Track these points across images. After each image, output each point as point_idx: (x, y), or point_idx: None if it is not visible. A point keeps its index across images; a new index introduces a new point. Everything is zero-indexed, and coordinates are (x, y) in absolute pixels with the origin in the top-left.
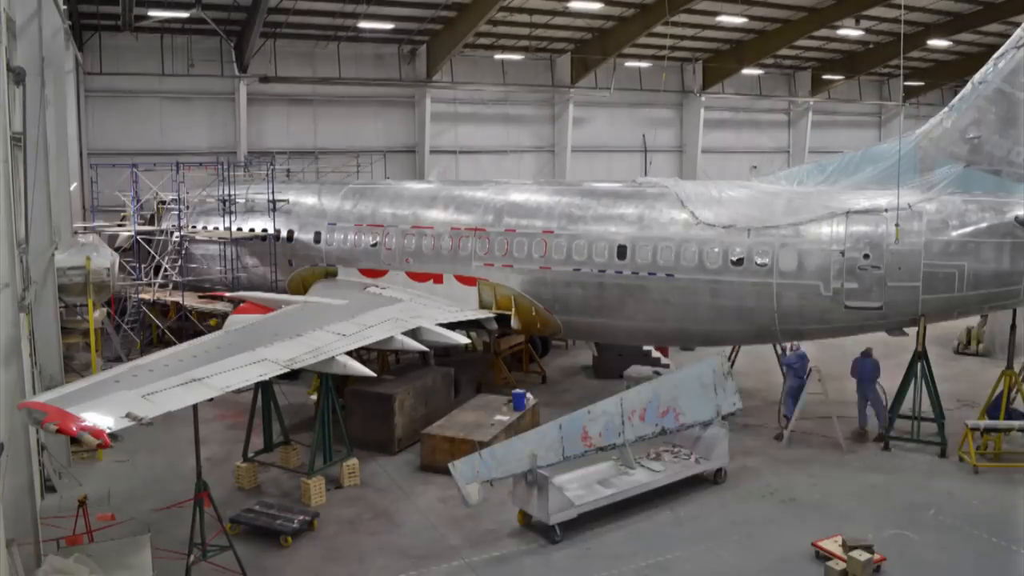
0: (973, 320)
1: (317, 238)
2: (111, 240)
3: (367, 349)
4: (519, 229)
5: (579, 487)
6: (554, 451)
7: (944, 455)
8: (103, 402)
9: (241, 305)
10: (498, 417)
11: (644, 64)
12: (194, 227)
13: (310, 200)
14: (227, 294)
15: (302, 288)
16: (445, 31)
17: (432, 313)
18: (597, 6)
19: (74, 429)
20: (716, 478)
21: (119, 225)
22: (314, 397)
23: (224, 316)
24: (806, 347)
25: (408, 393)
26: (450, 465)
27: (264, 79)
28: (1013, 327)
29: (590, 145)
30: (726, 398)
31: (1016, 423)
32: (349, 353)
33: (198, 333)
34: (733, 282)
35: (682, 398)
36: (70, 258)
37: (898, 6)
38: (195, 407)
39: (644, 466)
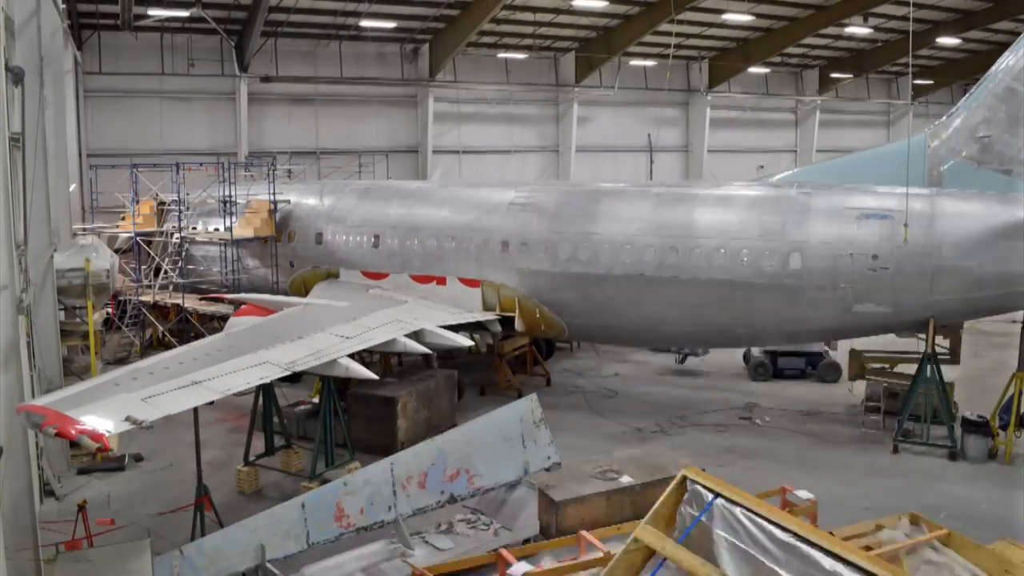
0: None
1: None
2: (111, 241)
3: (369, 351)
4: None
5: None
6: (294, 539)
7: (954, 458)
8: (102, 405)
9: (242, 307)
10: None
11: (649, 63)
12: (194, 228)
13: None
14: (228, 296)
15: (303, 290)
16: (448, 30)
17: (435, 315)
18: (602, 4)
19: (73, 432)
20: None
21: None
22: (316, 400)
23: (225, 318)
24: None
25: (411, 395)
26: (156, 559)
27: (265, 78)
28: None
29: (595, 145)
30: (537, 451)
31: None
32: (351, 355)
33: (199, 335)
34: None
35: (477, 455)
36: (69, 260)
37: (907, 3)
38: (195, 410)
39: (429, 543)
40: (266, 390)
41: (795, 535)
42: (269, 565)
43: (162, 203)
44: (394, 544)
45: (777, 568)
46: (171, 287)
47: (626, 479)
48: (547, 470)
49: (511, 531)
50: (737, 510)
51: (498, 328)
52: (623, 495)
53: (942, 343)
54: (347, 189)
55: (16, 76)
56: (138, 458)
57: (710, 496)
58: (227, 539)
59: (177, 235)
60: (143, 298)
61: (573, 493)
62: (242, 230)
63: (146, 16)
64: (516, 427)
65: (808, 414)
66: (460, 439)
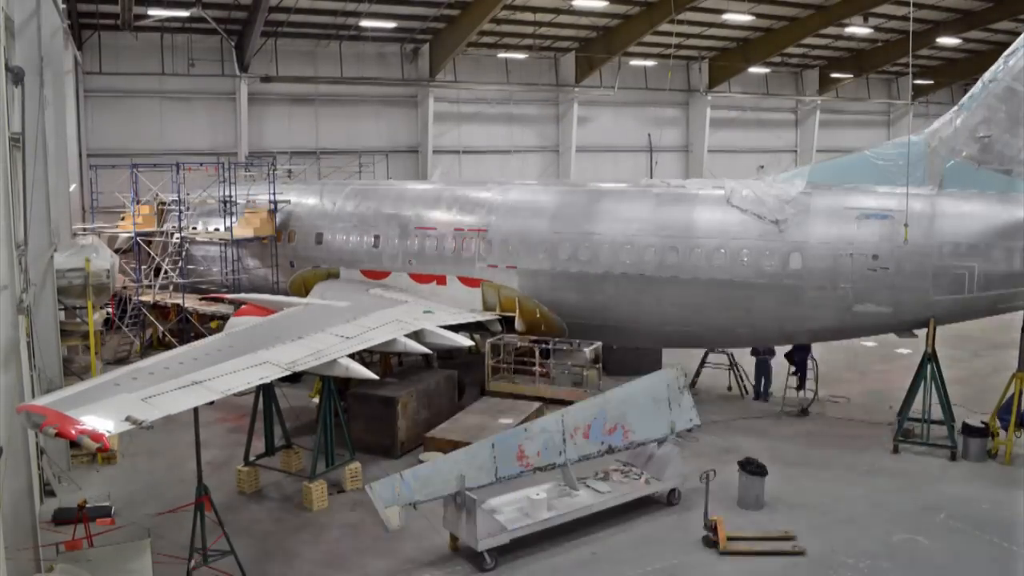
0: None
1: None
2: (111, 241)
3: (369, 351)
4: None
5: (514, 510)
6: (486, 472)
7: (954, 458)
8: (103, 405)
9: (242, 307)
10: (503, 420)
11: (649, 63)
12: (194, 228)
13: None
14: (228, 296)
15: (303, 290)
16: (448, 30)
17: (434, 315)
18: (602, 4)
19: (73, 433)
20: (670, 499)
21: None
22: (316, 400)
23: (225, 318)
24: None
25: (411, 396)
26: (367, 487)
27: (265, 78)
28: None
29: (595, 145)
30: (681, 414)
31: None
32: (352, 355)
33: (199, 335)
34: None
35: (631, 414)
36: (69, 260)
37: (907, 3)
38: (196, 410)
39: (590, 487)
40: (266, 390)
41: None
42: (468, 492)
43: (162, 203)
44: (562, 485)
45: None
46: (171, 287)
47: None
48: (689, 431)
49: (660, 480)
50: None
51: (498, 328)
52: None
53: None
54: (347, 189)
55: (16, 76)
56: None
57: None
58: (436, 468)
59: (177, 235)
60: (143, 298)
61: None
62: (242, 230)
63: (146, 16)
64: (664, 391)
65: (808, 414)
66: (618, 398)
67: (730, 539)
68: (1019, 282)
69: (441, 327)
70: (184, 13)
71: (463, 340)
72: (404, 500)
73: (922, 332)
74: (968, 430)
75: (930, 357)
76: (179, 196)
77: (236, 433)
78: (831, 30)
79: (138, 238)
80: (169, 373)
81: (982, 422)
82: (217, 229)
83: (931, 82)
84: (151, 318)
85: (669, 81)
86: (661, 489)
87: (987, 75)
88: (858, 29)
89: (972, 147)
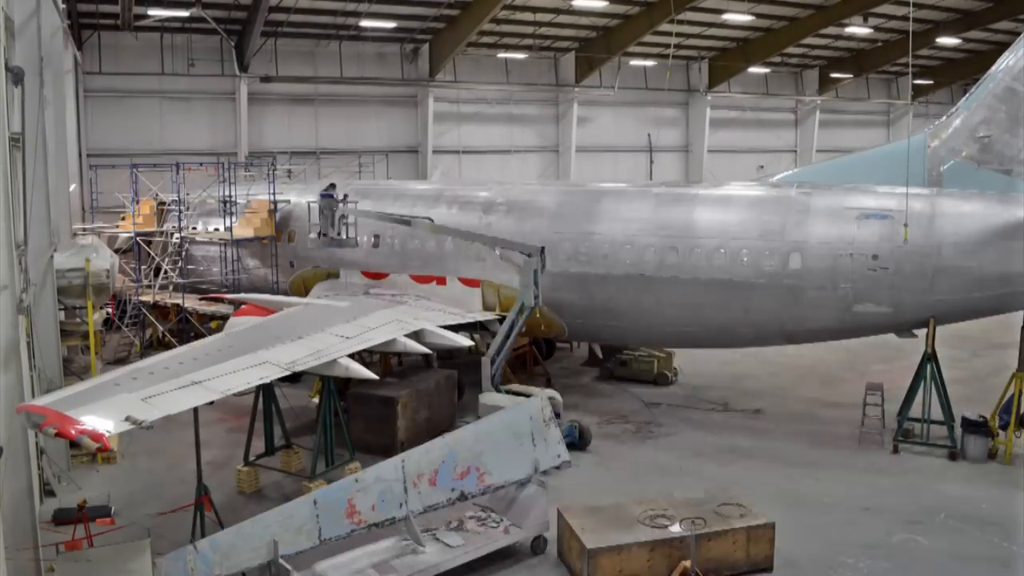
0: None
1: None
2: (111, 241)
3: (369, 351)
4: None
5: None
6: (307, 534)
7: (954, 458)
8: (103, 405)
9: (242, 307)
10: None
11: (649, 63)
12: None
13: None
14: (228, 296)
15: (303, 290)
16: (448, 30)
17: (435, 315)
18: (602, 4)
19: (73, 432)
20: (534, 548)
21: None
22: (316, 400)
23: (225, 318)
24: None
25: (411, 396)
26: (155, 562)
27: (265, 78)
28: None
29: (595, 145)
30: (547, 449)
31: None
32: (352, 355)
33: (199, 335)
34: None
35: (488, 453)
36: (69, 260)
37: (907, 3)
38: (195, 410)
39: (440, 540)
40: (266, 390)
41: None
42: (282, 561)
43: (162, 203)
44: (405, 540)
45: None
46: (171, 287)
47: (677, 528)
48: (557, 468)
49: (521, 528)
50: None
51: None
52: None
53: None
54: (347, 189)
55: (16, 76)
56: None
57: None
58: (240, 535)
59: (177, 235)
60: (143, 298)
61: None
62: (242, 230)
63: (146, 16)
64: (526, 425)
65: (808, 414)
66: (470, 437)
67: None
68: (1019, 282)
69: (441, 327)
70: (184, 13)
71: (463, 340)
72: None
73: (921, 332)
74: (967, 424)
75: (930, 357)
76: (179, 196)
77: (236, 433)
78: (831, 30)
79: (138, 238)
80: (169, 373)
81: (980, 416)
82: (217, 229)
83: (931, 82)
84: (151, 318)
85: (668, 81)
86: (522, 538)
87: (987, 75)
88: (858, 29)
89: (972, 147)
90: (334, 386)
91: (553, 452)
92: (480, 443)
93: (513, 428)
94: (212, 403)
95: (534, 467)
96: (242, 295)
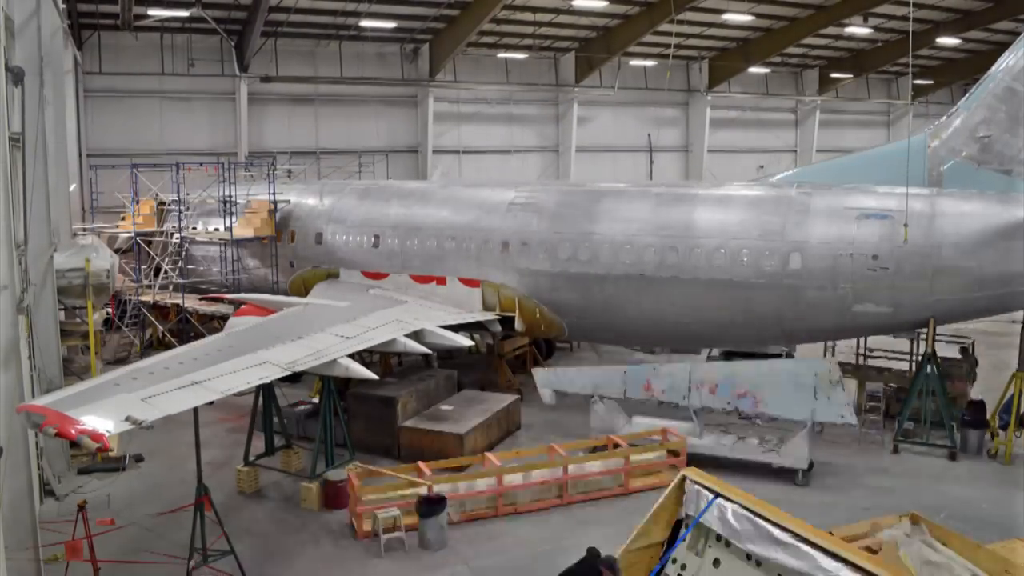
0: None
1: None
2: (111, 241)
3: (369, 351)
4: None
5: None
6: (615, 389)
7: (954, 458)
8: (102, 405)
9: (242, 307)
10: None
11: (649, 63)
12: (194, 228)
13: None
14: (228, 296)
15: (303, 290)
16: (448, 30)
17: (435, 315)
18: (602, 4)
19: (73, 433)
20: (797, 478)
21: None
22: (316, 400)
23: (225, 318)
24: None
25: (411, 396)
26: (533, 370)
27: (265, 78)
28: None
29: (595, 145)
30: (829, 407)
31: None
32: (352, 355)
33: (199, 335)
34: None
35: (767, 388)
36: (69, 260)
37: (907, 3)
38: (195, 410)
39: (719, 436)
40: (266, 390)
41: (794, 534)
42: (607, 399)
43: (162, 203)
44: (692, 424)
45: (777, 566)
46: (171, 287)
47: None
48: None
49: (779, 456)
50: (737, 509)
51: (498, 328)
52: None
53: None
54: (347, 189)
55: (16, 76)
56: (138, 458)
57: (710, 496)
58: (578, 374)
59: (177, 235)
60: (143, 298)
61: None
62: (242, 230)
63: (146, 16)
64: (809, 379)
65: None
66: (752, 370)
67: None
68: (1019, 282)
69: (441, 327)
70: (184, 13)
71: (463, 340)
72: (554, 386)
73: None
74: (965, 410)
75: (930, 357)
76: (179, 196)
77: (236, 433)
78: (831, 30)
79: (138, 238)
80: (169, 373)
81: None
82: (217, 229)
83: (931, 82)
84: (151, 318)
85: (668, 81)
86: (782, 462)
87: (987, 75)
88: (858, 29)
89: (972, 147)
90: (334, 386)
91: (836, 411)
92: (761, 377)
93: (795, 378)
94: (212, 403)
95: (811, 415)
96: (242, 295)
